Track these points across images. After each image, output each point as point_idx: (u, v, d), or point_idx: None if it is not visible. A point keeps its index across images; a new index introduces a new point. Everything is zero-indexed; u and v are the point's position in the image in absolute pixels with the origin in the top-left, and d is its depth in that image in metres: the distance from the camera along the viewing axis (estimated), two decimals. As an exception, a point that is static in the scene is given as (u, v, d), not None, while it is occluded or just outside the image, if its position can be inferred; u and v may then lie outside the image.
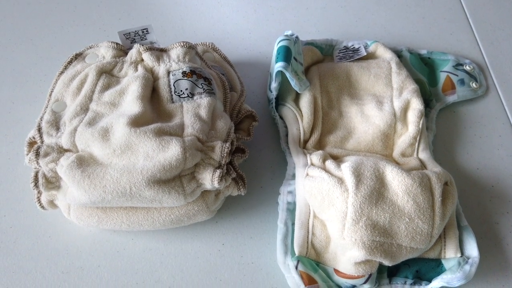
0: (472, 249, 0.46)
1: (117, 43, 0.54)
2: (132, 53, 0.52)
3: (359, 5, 0.71)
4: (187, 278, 0.47)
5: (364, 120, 0.54)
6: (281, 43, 0.54)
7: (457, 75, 0.60)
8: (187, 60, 0.52)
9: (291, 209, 0.49)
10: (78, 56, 0.54)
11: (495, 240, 0.50)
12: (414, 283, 0.46)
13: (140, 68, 0.51)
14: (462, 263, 0.45)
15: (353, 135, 0.54)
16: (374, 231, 0.43)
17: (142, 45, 0.52)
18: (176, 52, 0.52)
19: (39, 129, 0.48)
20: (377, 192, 0.44)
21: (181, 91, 0.49)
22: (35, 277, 0.47)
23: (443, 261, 0.46)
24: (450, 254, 0.46)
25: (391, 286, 0.46)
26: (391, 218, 0.43)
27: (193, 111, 0.48)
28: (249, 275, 0.47)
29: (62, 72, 0.53)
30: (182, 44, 0.52)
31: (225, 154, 0.45)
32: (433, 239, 0.44)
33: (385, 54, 0.60)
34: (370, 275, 0.44)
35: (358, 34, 0.67)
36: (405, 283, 0.46)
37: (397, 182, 0.45)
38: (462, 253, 0.46)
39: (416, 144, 0.53)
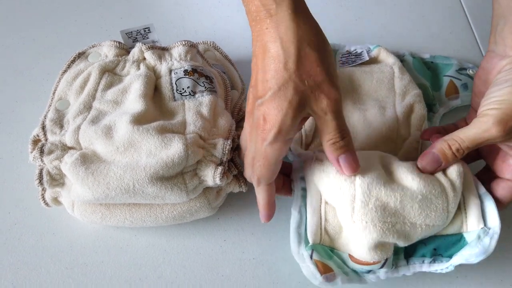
0: (493, 218, 0.43)
1: (119, 42, 0.54)
2: (134, 52, 0.53)
3: (358, 4, 0.72)
4: (189, 274, 0.48)
5: (367, 126, 0.54)
6: None
7: (460, 80, 0.60)
8: (188, 58, 0.52)
9: (305, 196, 0.47)
10: (81, 55, 0.54)
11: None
12: (433, 261, 0.44)
13: (142, 66, 0.52)
14: (482, 236, 0.42)
15: (356, 141, 0.53)
16: (385, 212, 0.41)
17: (144, 44, 0.53)
18: (177, 50, 0.53)
19: (43, 127, 0.48)
20: (384, 176, 0.43)
21: (183, 89, 0.50)
22: (40, 273, 0.47)
23: (465, 235, 0.44)
24: (472, 227, 0.43)
25: (409, 266, 0.44)
26: (402, 197, 0.42)
27: (194, 109, 0.48)
28: (251, 270, 0.48)
29: (65, 71, 0.53)
30: (183, 43, 0.53)
31: (226, 151, 0.46)
32: (451, 214, 0.42)
33: (388, 59, 0.59)
34: (386, 260, 0.43)
35: (358, 33, 0.68)
36: (423, 262, 0.44)
37: (403, 167, 0.44)
38: (485, 223, 0.43)
39: (419, 148, 0.52)
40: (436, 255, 0.44)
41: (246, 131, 0.44)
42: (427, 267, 0.44)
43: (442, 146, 0.43)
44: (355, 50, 0.61)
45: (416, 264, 0.44)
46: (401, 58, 0.61)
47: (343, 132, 0.40)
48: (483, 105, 0.42)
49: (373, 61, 0.60)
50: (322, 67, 0.38)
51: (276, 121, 0.38)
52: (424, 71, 0.61)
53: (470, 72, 0.61)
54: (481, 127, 0.41)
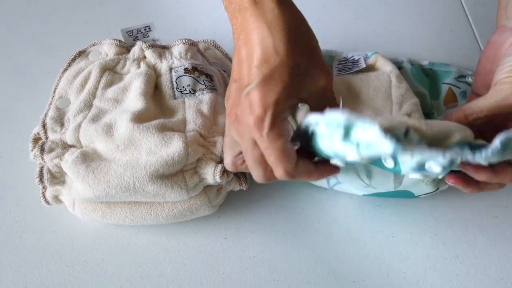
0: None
1: (120, 41, 0.54)
2: (135, 51, 0.53)
3: (358, 2, 0.72)
4: (190, 272, 0.48)
5: None
6: None
7: (459, 87, 0.59)
8: (189, 57, 0.53)
9: None
10: (82, 54, 0.54)
11: (493, 234, 0.50)
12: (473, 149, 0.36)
13: (142, 65, 0.52)
14: None
15: None
16: None
17: (145, 43, 0.53)
18: (178, 49, 0.53)
19: (44, 125, 0.48)
20: None
21: (183, 87, 0.50)
22: (41, 271, 0.48)
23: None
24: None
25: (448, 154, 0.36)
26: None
27: (195, 107, 0.49)
28: (251, 268, 0.48)
29: (65, 69, 0.53)
30: (184, 41, 0.53)
31: (226, 149, 0.46)
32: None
33: (385, 67, 0.57)
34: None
35: (358, 32, 0.68)
36: (462, 149, 0.36)
37: None
38: None
39: None
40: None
41: (229, 137, 0.41)
42: (469, 155, 0.35)
43: (459, 116, 0.41)
44: (352, 57, 0.59)
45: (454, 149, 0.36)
46: (399, 65, 0.59)
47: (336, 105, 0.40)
48: (498, 74, 0.41)
49: (370, 68, 0.58)
50: (313, 49, 0.39)
51: (270, 102, 0.35)
52: (422, 79, 0.59)
53: (469, 79, 0.60)
54: (500, 95, 0.40)
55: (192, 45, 0.53)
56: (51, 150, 0.46)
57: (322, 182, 0.50)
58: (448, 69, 0.61)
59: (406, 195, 0.50)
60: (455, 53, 0.65)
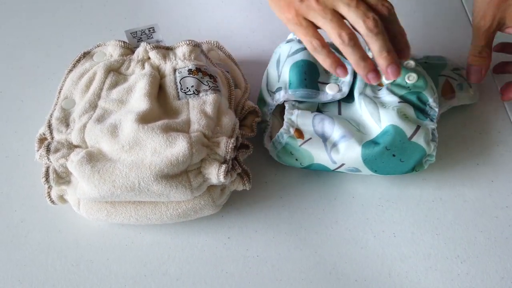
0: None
1: (124, 42, 0.55)
2: (139, 52, 0.53)
3: (360, 3, 0.72)
4: (194, 271, 0.48)
5: None
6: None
7: (456, 80, 0.59)
8: (192, 58, 0.53)
9: None
10: (86, 55, 0.55)
11: (494, 234, 0.51)
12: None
13: (147, 66, 0.53)
14: None
15: None
16: None
17: (149, 44, 0.53)
18: (182, 50, 0.53)
19: (49, 126, 0.49)
20: None
21: (187, 88, 0.50)
22: (46, 270, 0.48)
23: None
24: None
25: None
26: None
27: (199, 107, 0.49)
28: (254, 267, 0.49)
29: (70, 70, 0.54)
30: (187, 43, 0.53)
31: (229, 150, 0.47)
32: None
33: None
34: None
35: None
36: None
37: None
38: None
39: None
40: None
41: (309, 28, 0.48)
42: None
43: (471, 59, 0.54)
44: None
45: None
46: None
47: None
48: None
49: None
50: None
51: None
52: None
53: (464, 73, 0.60)
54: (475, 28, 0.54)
55: (195, 46, 0.54)
56: (56, 150, 0.46)
57: (325, 160, 0.51)
58: (443, 61, 0.60)
59: (399, 137, 0.49)
60: (455, 53, 0.65)
